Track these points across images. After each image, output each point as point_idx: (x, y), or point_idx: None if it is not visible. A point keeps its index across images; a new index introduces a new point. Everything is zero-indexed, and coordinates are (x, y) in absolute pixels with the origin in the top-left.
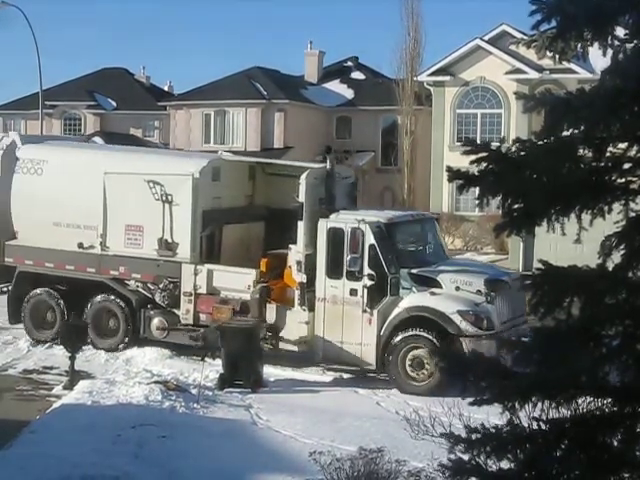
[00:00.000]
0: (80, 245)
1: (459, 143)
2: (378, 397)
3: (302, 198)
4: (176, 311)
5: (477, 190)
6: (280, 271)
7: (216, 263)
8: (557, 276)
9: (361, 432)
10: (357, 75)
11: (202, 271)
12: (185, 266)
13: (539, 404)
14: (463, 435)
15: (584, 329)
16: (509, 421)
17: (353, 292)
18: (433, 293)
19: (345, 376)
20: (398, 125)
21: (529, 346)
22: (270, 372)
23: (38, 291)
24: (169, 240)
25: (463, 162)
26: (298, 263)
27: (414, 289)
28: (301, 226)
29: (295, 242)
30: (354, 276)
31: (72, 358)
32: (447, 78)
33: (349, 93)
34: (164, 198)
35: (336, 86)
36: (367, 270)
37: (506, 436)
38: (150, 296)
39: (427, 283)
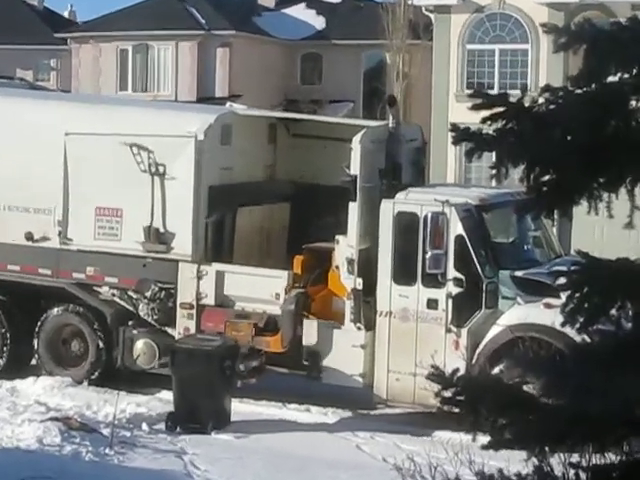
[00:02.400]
0: (29, 236)
1: (469, 91)
2: (359, 439)
3: (355, 169)
4: (170, 330)
5: (493, 156)
6: (322, 273)
7: (228, 262)
8: (602, 273)
9: None
10: None
11: (208, 273)
12: (184, 266)
13: (578, 447)
14: None
15: (639, 345)
16: (537, 469)
17: (432, 303)
18: (549, 305)
19: (314, 409)
20: (386, 66)
21: (564, 368)
22: None
23: None
24: (160, 229)
25: (474, 117)
26: (349, 262)
27: (519, 299)
28: (354, 209)
29: (344, 232)
30: (434, 281)
31: None
32: (454, 1)
33: (319, 22)
34: (153, 169)
35: (301, 12)
36: (453, 272)
37: None
38: (132, 309)
39: (538, 291)
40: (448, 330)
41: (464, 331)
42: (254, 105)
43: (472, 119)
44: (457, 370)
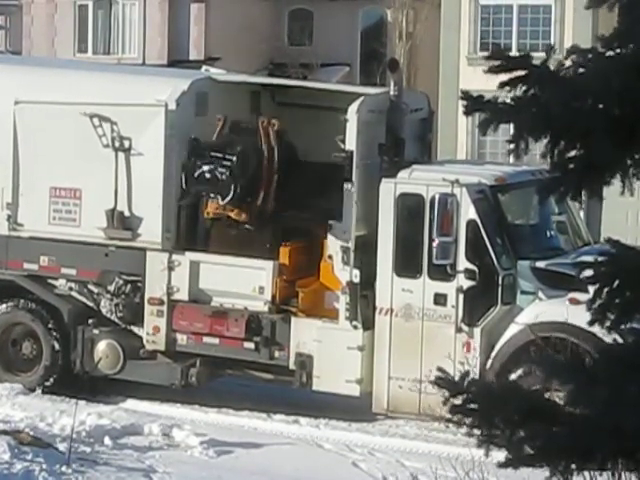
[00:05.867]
0: None
1: (484, 54)
2: (356, 455)
3: (351, 144)
4: (137, 330)
5: (511, 128)
6: (312, 264)
7: (203, 251)
8: (635, 264)
9: None
10: None
11: (181, 264)
12: (152, 255)
13: (608, 464)
14: None
15: None
16: None
17: (440, 299)
18: (575, 301)
19: (303, 421)
20: (387, 24)
21: (592, 374)
22: (194, 416)
23: None
24: (125, 213)
25: (489, 83)
26: (344, 251)
27: (541, 294)
28: (350, 190)
29: (338, 217)
30: (442, 273)
31: None
32: None
33: None
34: (117, 144)
35: None
36: (464, 263)
37: None
38: (92, 305)
39: (563, 284)
40: (459, 330)
41: (477, 331)
42: (234, 70)
43: (486, 86)
44: (468, 374)
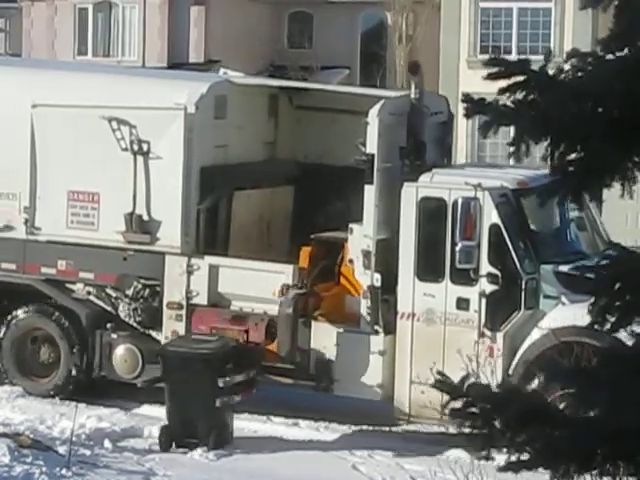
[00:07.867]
0: None
1: (483, 57)
2: (355, 457)
3: (372, 147)
4: (155, 334)
5: (511, 131)
6: (333, 268)
7: (223, 254)
8: (636, 266)
9: None
10: None
11: (200, 268)
12: (171, 259)
13: (610, 468)
14: None
15: None
16: None
17: (462, 303)
18: None
19: (303, 424)
20: (387, 27)
21: (594, 377)
22: None
23: None
24: (144, 217)
25: (489, 86)
26: (365, 255)
27: (564, 298)
28: (371, 193)
29: (358, 220)
30: (465, 277)
31: None
32: None
33: None
34: (135, 147)
35: None
36: (486, 267)
37: None
38: (111, 309)
39: (586, 288)
40: (481, 334)
41: (500, 335)
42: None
43: (487, 89)
44: (467, 377)
